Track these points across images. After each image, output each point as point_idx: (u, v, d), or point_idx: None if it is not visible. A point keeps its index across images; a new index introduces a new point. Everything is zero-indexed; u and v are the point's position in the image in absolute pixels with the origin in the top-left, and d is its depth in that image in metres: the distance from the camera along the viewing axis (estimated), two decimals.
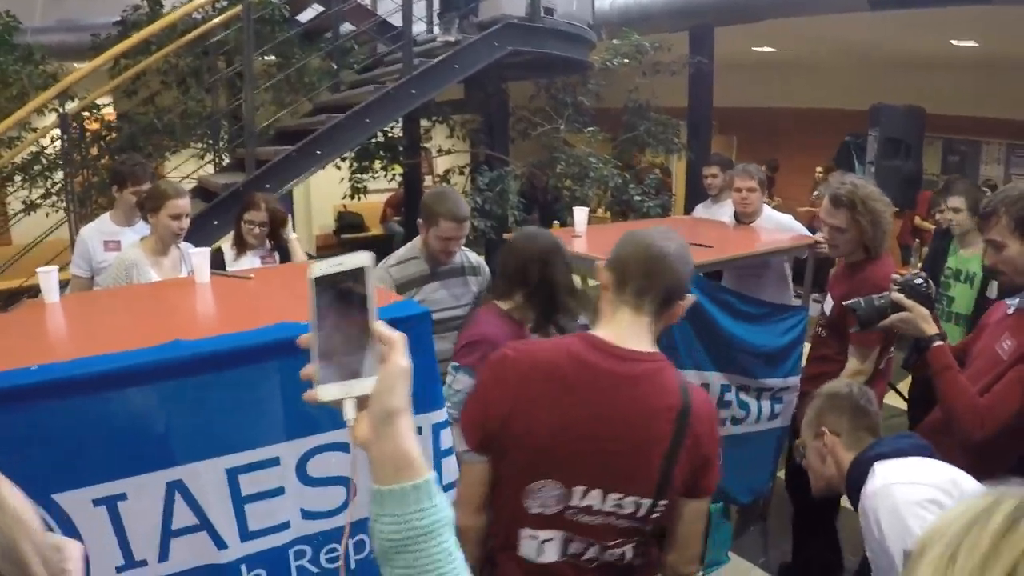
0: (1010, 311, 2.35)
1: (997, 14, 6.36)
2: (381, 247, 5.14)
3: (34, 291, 3.23)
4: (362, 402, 0.86)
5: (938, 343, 2.33)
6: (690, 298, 1.71)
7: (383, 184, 8.06)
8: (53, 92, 4.97)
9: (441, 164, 8.74)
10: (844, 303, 2.58)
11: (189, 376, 1.73)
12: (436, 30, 6.33)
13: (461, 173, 7.79)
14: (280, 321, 1.92)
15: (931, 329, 2.37)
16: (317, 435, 1.93)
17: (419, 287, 3.16)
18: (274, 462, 1.88)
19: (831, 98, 9.54)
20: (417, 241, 3.26)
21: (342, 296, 0.85)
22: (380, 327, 0.86)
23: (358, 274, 0.85)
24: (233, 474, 1.82)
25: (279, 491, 1.90)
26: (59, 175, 5.65)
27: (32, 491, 0.71)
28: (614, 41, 7.18)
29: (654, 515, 1.66)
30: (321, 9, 6.86)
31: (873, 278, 2.81)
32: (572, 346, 1.64)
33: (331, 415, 1.98)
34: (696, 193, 6.56)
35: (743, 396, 3.34)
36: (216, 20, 5.75)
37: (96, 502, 1.61)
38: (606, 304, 1.69)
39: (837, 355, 3.05)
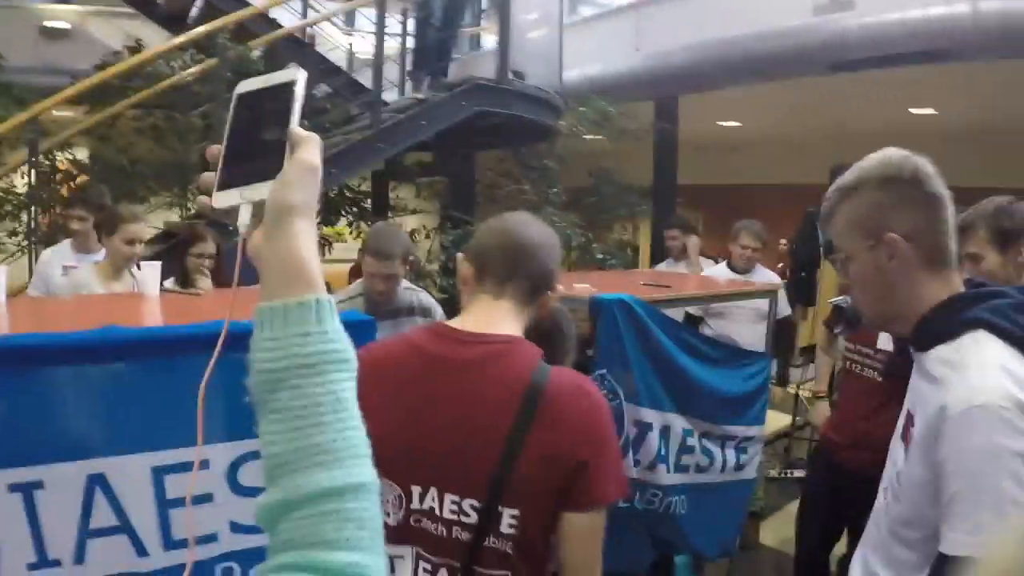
0: None
1: (953, 78, 6.62)
2: None
3: None
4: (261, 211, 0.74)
5: None
6: (559, 289, 1.56)
7: (352, 248, 8.03)
8: (22, 118, 4.99)
9: (408, 224, 8.82)
10: (830, 300, 2.50)
11: (119, 362, 1.67)
12: (408, 91, 6.46)
13: (427, 236, 7.85)
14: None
15: None
16: (252, 440, 1.84)
17: None
18: (203, 465, 1.79)
19: (795, 173, 9.79)
20: (360, 282, 3.28)
21: (264, 111, 0.77)
22: (296, 129, 0.74)
23: (286, 88, 0.77)
24: (159, 473, 1.73)
25: (207, 498, 1.80)
26: (26, 214, 5.63)
27: None
28: (581, 108, 7.35)
29: (508, 529, 1.36)
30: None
31: None
32: (415, 337, 1.49)
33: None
34: (659, 257, 6.65)
35: (706, 443, 3.25)
36: (192, 70, 5.83)
37: (11, 487, 1.51)
38: (466, 297, 1.54)
39: None
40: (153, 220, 5.93)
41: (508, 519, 1.36)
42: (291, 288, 0.70)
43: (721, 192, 11.56)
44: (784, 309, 4.54)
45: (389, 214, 7.86)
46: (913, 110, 8.48)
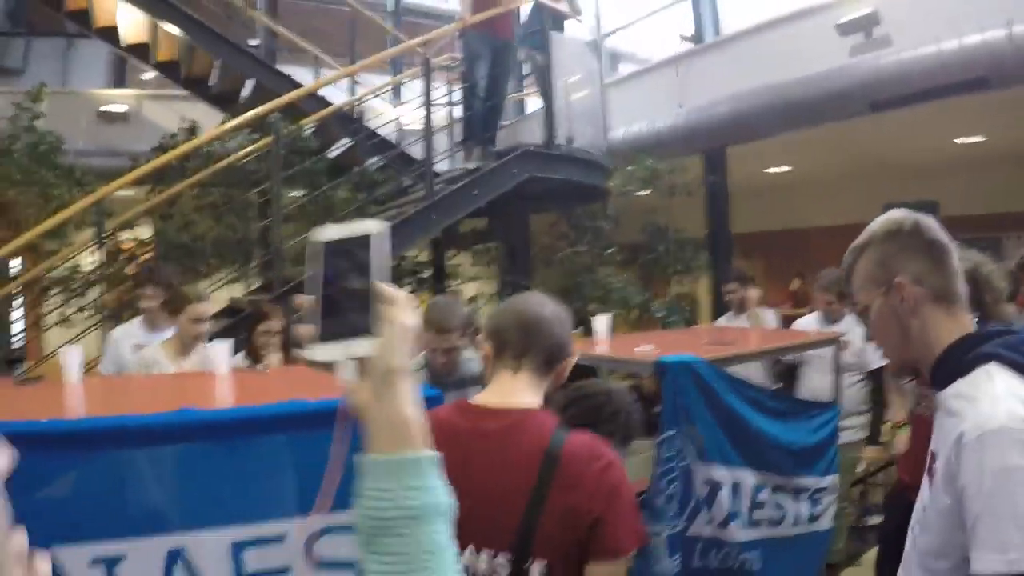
0: None
1: (999, 105, 6.48)
2: None
3: None
4: (361, 367, 0.80)
5: None
6: (574, 357, 1.71)
7: None
8: (88, 201, 5.20)
9: (467, 291, 8.90)
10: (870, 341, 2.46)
11: (196, 443, 1.73)
12: (458, 161, 6.58)
13: (487, 302, 7.91)
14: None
15: None
16: (327, 514, 1.87)
17: None
18: (280, 539, 1.82)
19: (849, 213, 9.67)
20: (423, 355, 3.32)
21: (349, 262, 0.81)
22: (384, 287, 0.80)
23: (367, 240, 0.81)
24: (238, 548, 1.77)
25: (285, 571, 1.83)
26: (94, 291, 5.82)
27: (31, 541, 0.67)
28: (629, 168, 7.39)
29: None
30: (349, 143, 7.19)
31: None
32: (442, 413, 1.63)
33: (343, 494, 1.94)
34: (719, 310, 6.57)
35: (778, 496, 3.21)
36: (248, 149, 6.04)
37: (94, 561, 1.56)
38: (488, 372, 1.69)
39: None
40: (216, 294, 6.12)
41: (538, 571, 1.51)
42: (398, 444, 0.78)
43: (776, 238, 11.46)
44: (875, 360, 4.36)
45: (447, 282, 7.95)
46: (960, 140, 8.33)
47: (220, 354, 2.62)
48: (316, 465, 1.94)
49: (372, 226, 0.82)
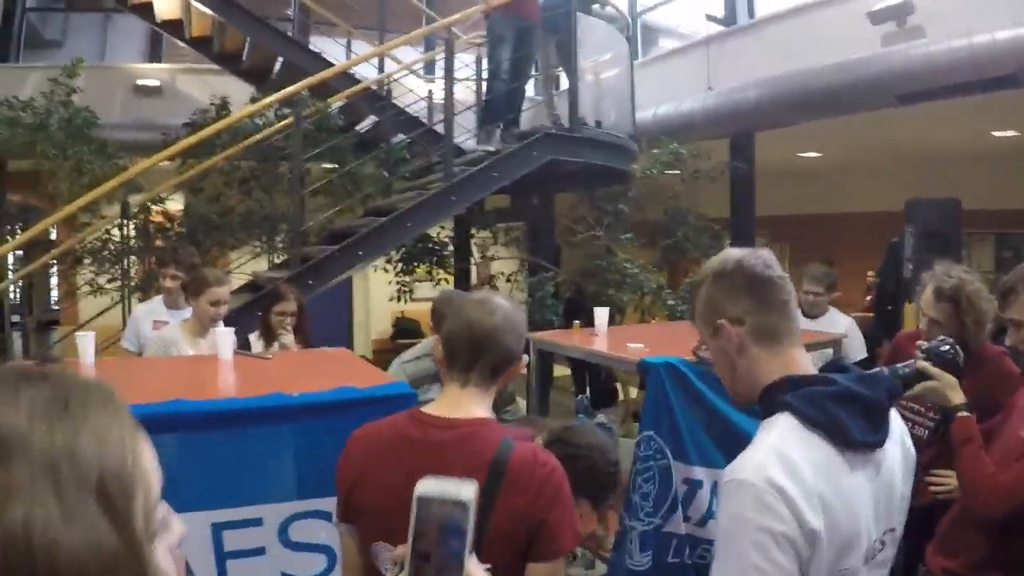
0: None
1: None
2: None
3: None
4: None
5: (963, 414, 2.24)
6: (524, 358, 1.77)
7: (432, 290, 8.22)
8: (118, 181, 5.37)
9: (490, 269, 8.99)
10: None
11: (185, 431, 1.88)
12: (483, 138, 6.63)
13: (508, 280, 8.00)
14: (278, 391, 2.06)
15: (957, 398, 2.26)
16: (301, 501, 2.04)
17: (430, 384, 3.31)
18: (257, 522, 1.98)
19: (880, 200, 9.56)
20: (433, 339, 3.43)
21: (444, 523, 0.92)
22: (472, 566, 0.94)
23: (462, 504, 0.92)
24: (218, 529, 1.92)
25: (260, 551, 1.99)
26: (125, 262, 6.02)
27: None
28: (654, 151, 7.39)
29: None
30: (376, 119, 7.29)
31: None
32: (399, 421, 1.71)
33: (314, 483, 2.05)
34: None
35: None
36: (276, 127, 6.18)
37: None
38: (443, 374, 1.76)
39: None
40: (242, 268, 6.32)
41: (484, 573, 1.56)
42: None
43: (807, 222, 11.37)
44: (857, 353, 4.40)
45: (471, 259, 8.06)
46: (996, 133, 8.19)
47: (225, 341, 2.77)
48: (296, 454, 2.08)
49: (467, 492, 0.92)
